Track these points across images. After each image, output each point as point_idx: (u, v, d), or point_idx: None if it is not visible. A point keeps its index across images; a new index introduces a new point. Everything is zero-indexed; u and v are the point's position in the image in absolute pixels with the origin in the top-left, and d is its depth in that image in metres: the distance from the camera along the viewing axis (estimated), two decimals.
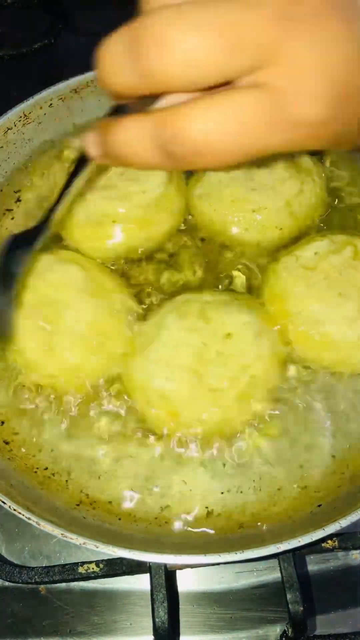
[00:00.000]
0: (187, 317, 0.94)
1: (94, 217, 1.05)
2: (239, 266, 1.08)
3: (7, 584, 0.97)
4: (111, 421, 0.95)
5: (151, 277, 1.07)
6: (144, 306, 1.02)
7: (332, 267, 0.98)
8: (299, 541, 0.78)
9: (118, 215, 1.05)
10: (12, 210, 1.15)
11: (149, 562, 0.87)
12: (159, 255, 1.09)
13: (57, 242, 1.09)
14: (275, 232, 1.07)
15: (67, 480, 0.93)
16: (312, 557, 1.01)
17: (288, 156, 1.10)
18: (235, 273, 1.07)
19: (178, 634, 0.95)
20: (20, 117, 1.11)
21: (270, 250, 1.09)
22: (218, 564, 0.97)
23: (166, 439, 0.93)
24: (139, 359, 0.94)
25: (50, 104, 1.13)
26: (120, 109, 0.69)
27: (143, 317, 1.01)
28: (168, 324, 0.94)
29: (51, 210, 0.83)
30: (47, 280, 0.98)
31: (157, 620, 0.84)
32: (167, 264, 1.08)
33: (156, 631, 0.84)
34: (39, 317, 0.95)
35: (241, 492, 0.90)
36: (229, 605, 0.97)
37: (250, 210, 1.06)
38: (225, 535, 0.88)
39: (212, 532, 0.89)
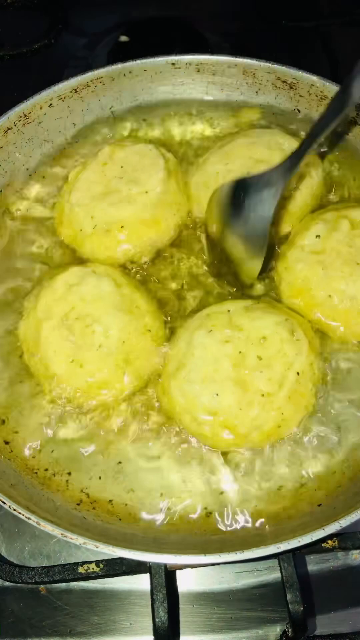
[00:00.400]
0: (217, 330, 0.94)
1: (101, 225, 1.05)
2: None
3: (7, 584, 0.97)
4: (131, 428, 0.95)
5: (171, 284, 1.07)
6: (167, 319, 1.03)
7: (339, 243, 1.00)
8: (299, 541, 0.78)
9: (125, 220, 1.05)
10: (12, 210, 1.15)
11: (149, 562, 0.87)
12: (169, 254, 1.09)
13: (72, 255, 1.09)
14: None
15: (67, 480, 0.93)
16: (312, 557, 1.01)
17: (285, 151, 1.10)
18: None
19: (178, 634, 0.95)
20: (20, 117, 1.11)
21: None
22: (218, 564, 0.97)
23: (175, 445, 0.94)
24: (177, 382, 0.92)
25: (50, 104, 1.13)
26: None
27: (169, 336, 1.01)
28: (199, 341, 0.93)
29: (306, 147, 0.88)
30: (80, 292, 0.97)
31: (157, 620, 0.84)
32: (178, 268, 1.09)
33: (156, 631, 0.84)
34: (66, 330, 0.95)
35: (241, 492, 0.91)
36: (229, 605, 0.97)
37: None
38: (225, 535, 0.88)
39: (212, 532, 0.89)
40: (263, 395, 0.89)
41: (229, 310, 0.97)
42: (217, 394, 0.89)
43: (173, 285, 1.07)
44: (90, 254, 1.07)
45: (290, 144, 1.11)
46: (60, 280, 0.99)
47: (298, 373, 0.92)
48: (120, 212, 1.05)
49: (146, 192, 1.06)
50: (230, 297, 1.05)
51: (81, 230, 1.06)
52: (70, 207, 1.08)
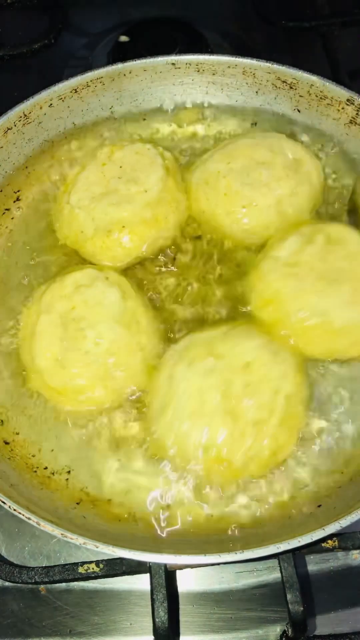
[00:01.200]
0: (198, 361, 0.91)
1: (102, 226, 1.05)
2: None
3: (7, 584, 0.97)
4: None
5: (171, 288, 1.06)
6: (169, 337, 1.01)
7: (313, 258, 0.98)
8: (299, 541, 0.78)
9: (125, 220, 1.05)
10: (11, 210, 1.15)
11: (149, 562, 0.87)
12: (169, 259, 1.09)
13: (75, 258, 1.09)
14: (262, 230, 1.08)
15: (67, 480, 0.93)
16: (312, 557, 1.01)
17: (288, 155, 1.10)
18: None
19: (178, 634, 0.95)
20: (20, 117, 1.11)
21: (255, 248, 1.09)
22: (218, 564, 0.97)
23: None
24: (164, 422, 0.90)
25: (50, 104, 1.13)
26: None
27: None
28: (181, 375, 0.91)
29: None
30: (85, 295, 0.96)
31: (157, 620, 0.84)
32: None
33: (156, 631, 0.84)
34: (62, 328, 0.94)
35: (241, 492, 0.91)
36: (229, 605, 0.97)
37: (240, 205, 1.07)
38: (225, 535, 0.88)
39: (211, 532, 0.89)
40: (255, 423, 0.87)
41: (206, 339, 0.94)
42: (207, 428, 0.87)
43: (174, 299, 1.06)
44: (92, 256, 1.07)
45: (293, 149, 1.11)
46: (72, 278, 0.99)
47: (287, 396, 0.90)
48: (120, 212, 1.05)
49: (145, 191, 1.06)
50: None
51: (82, 232, 1.06)
52: (70, 209, 1.07)
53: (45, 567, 0.90)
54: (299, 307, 0.95)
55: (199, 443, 0.87)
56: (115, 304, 0.96)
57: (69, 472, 0.93)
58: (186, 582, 0.99)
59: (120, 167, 1.09)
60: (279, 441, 0.89)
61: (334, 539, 0.91)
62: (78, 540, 0.79)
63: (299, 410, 0.93)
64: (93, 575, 0.89)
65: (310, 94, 1.15)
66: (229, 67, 1.17)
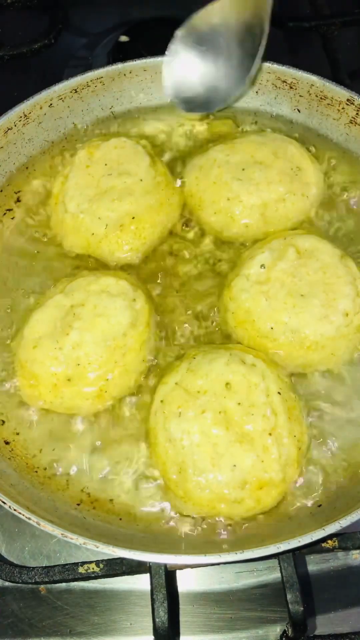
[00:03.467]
0: (183, 408, 0.88)
1: (112, 223, 1.05)
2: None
3: (7, 584, 0.97)
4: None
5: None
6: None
7: (284, 273, 0.98)
8: (299, 541, 0.78)
9: (133, 210, 1.05)
10: (12, 210, 1.15)
11: (149, 562, 0.87)
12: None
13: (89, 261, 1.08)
14: (240, 227, 1.08)
15: (67, 480, 0.93)
16: (312, 557, 1.01)
17: (291, 162, 1.10)
18: None
19: (178, 634, 0.95)
20: (20, 117, 1.11)
21: (232, 242, 1.10)
22: (218, 564, 0.97)
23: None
24: (193, 483, 0.86)
25: (50, 104, 1.13)
26: None
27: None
28: (178, 431, 0.87)
29: None
30: (94, 299, 0.96)
31: (157, 620, 0.84)
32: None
33: (156, 631, 0.84)
34: (61, 320, 0.95)
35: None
36: (229, 605, 0.97)
37: (225, 197, 1.08)
38: (225, 535, 0.88)
39: (212, 532, 0.89)
40: (269, 432, 0.87)
41: (176, 383, 0.92)
42: (235, 465, 0.85)
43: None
44: (109, 254, 1.06)
45: (299, 157, 1.11)
46: (92, 280, 0.99)
47: (279, 393, 0.90)
48: (125, 205, 1.05)
49: (141, 179, 1.07)
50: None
51: (93, 234, 1.05)
52: (72, 216, 1.06)
53: (45, 567, 0.90)
54: (270, 326, 0.96)
55: (235, 483, 0.85)
56: (122, 317, 0.95)
57: (69, 472, 0.93)
58: (186, 582, 0.99)
59: (106, 164, 1.09)
60: (297, 434, 0.90)
61: (334, 539, 0.91)
62: (78, 540, 0.79)
63: (293, 397, 0.94)
64: (93, 575, 0.89)
65: (310, 94, 1.15)
66: None
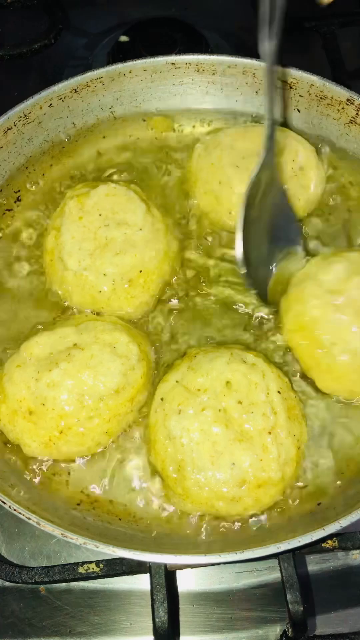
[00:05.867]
0: (183, 405, 0.88)
1: (119, 278, 1.00)
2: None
3: (7, 584, 0.97)
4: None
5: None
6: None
7: (357, 290, 0.92)
8: (299, 541, 0.78)
9: (139, 264, 1.00)
10: (12, 210, 1.15)
11: (149, 562, 0.87)
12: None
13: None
14: (225, 212, 1.08)
15: (67, 481, 0.93)
16: (312, 557, 1.01)
17: (295, 161, 1.09)
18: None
19: (178, 634, 0.95)
20: (20, 117, 1.10)
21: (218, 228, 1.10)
22: (218, 564, 0.97)
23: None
24: (190, 481, 0.85)
25: (50, 104, 1.13)
26: None
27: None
28: (178, 428, 0.87)
29: None
30: (97, 343, 0.92)
31: (157, 620, 0.84)
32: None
33: (156, 631, 0.84)
34: (52, 354, 0.92)
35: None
36: (229, 605, 0.97)
37: (217, 180, 1.08)
38: (225, 535, 0.88)
39: (212, 532, 0.89)
40: (268, 431, 0.87)
41: (177, 381, 0.91)
42: (234, 464, 0.84)
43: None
44: (119, 308, 1.02)
45: (306, 158, 1.11)
46: (108, 328, 0.95)
47: (278, 391, 0.90)
48: (130, 259, 1.00)
49: (140, 229, 1.02)
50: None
51: (100, 291, 1.00)
52: (74, 274, 1.01)
53: (45, 567, 0.90)
54: (333, 341, 0.92)
55: (233, 481, 0.84)
56: (101, 388, 0.91)
57: (69, 473, 0.93)
58: (186, 582, 0.99)
59: (100, 214, 1.03)
60: (296, 433, 0.90)
61: (334, 539, 0.91)
62: (78, 540, 0.79)
63: (293, 396, 0.94)
64: (93, 575, 0.89)
65: (310, 94, 1.15)
66: (228, 67, 1.17)
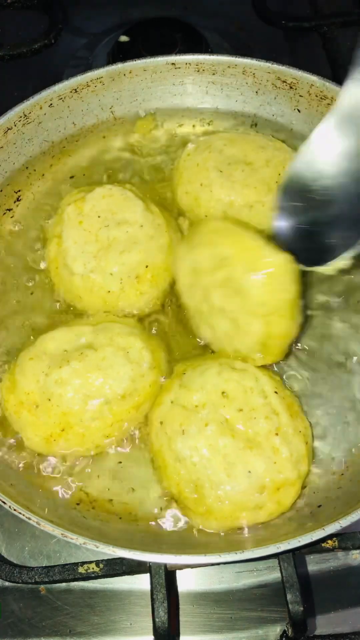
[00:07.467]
0: (185, 424, 0.87)
1: (127, 276, 1.00)
2: None
3: (7, 584, 0.97)
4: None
5: None
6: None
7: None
8: (299, 541, 0.78)
9: (144, 259, 1.01)
10: (12, 210, 1.15)
11: (149, 562, 0.87)
12: None
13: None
14: (201, 215, 1.09)
15: (67, 480, 0.93)
16: (312, 557, 1.01)
17: (280, 177, 1.07)
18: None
19: (178, 634, 0.95)
20: (20, 117, 1.10)
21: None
22: (218, 564, 0.97)
23: None
24: (209, 499, 0.85)
25: (50, 104, 1.13)
26: None
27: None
28: (185, 448, 0.86)
29: None
30: (110, 346, 0.92)
31: (157, 620, 0.84)
32: None
33: (156, 631, 0.84)
34: (65, 351, 0.93)
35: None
36: (229, 605, 0.97)
37: (199, 182, 1.08)
38: (225, 535, 0.88)
39: (212, 532, 0.89)
40: (275, 434, 0.86)
41: (171, 402, 0.91)
42: (249, 472, 0.84)
43: None
44: (129, 306, 1.02)
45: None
46: (124, 331, 0.95)
47: (275, 392, 0.90)
48: (136, 255, 1.00)
49: (141, 226, 1.02)
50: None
51: (109, 291, 1.00)
52: (81, 277, 1.01)
53: (45, 567, 0.90)
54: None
55: (252, 489, 0.84)
56: (107, 391, 0.91)
57: (69, 472, 0.93)
58: (186, 582, 0.99)
59: (99, 216, 1.03)
60: (301, 429, 0.90)
61: (334, 539, 0.91)
62: (78, 540, 0.79)
63: (289, 394, 0.94)
64: (93, 575, 0.89)
65: (310, 94, 1.15)
66: (228, 67, 1.17)
